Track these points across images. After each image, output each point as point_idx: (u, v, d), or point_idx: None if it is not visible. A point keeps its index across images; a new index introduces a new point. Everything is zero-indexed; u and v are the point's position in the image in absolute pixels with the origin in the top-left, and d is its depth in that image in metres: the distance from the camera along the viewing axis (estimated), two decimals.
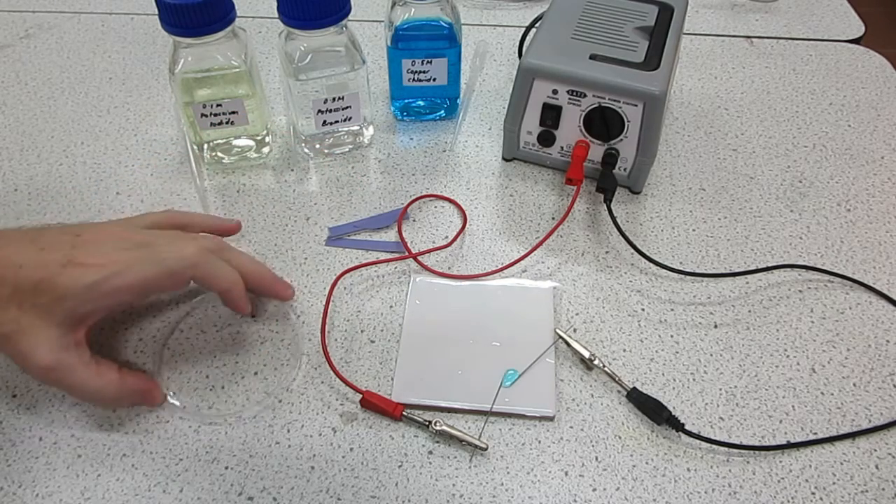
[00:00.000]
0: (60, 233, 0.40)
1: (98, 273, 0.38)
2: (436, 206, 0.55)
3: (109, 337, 0.46)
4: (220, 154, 0.58)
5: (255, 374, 0.45)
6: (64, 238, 0.39)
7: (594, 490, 0.39)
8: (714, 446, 0.41)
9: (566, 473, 0.40)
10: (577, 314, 0.48)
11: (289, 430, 0.42)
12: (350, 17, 0.51)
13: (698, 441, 0.41)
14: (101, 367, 0.40)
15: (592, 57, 0.52)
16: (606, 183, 0.52)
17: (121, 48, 0.71)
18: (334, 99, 0.54)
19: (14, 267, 0.37)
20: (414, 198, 0.55)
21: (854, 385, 0.44)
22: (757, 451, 0.41)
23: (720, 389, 0.44)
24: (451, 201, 0.56)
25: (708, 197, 0.56)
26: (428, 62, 0.57)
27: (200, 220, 0.48)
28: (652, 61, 0.52)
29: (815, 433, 0.42)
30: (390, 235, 0.53)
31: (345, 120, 0.56)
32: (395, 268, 0.51)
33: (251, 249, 0.52)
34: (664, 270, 0.50)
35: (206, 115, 0.53)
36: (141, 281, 0.39)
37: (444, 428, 0.41)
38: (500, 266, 0.50)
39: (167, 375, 0.44)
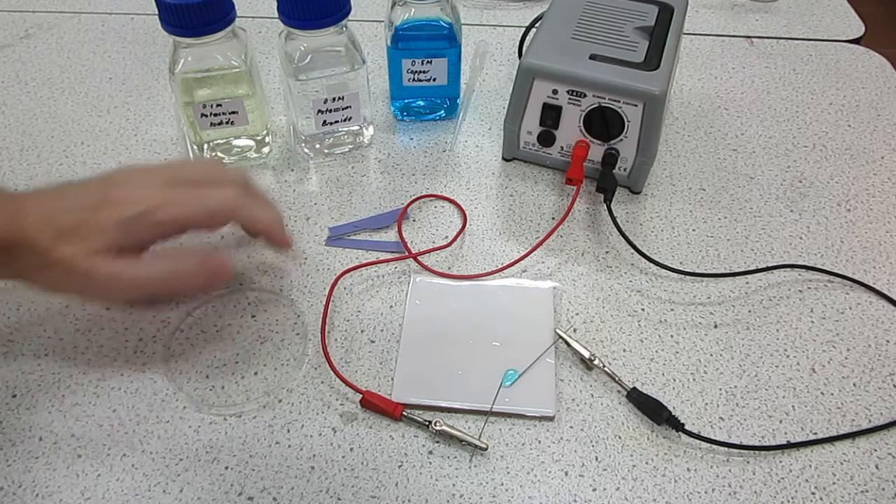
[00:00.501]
0: (92, 179, 0.42)
1: (135, 207, 0.40)
2: (436, 206, 0.55)
3: (110, 337, 0.46)
4: (220, 154, 0.58)
5: (255, 374, 0.45)
6: (98, 181, 0.42)
7: (594, 490, 0.39)
8: (714, 446, 0.41)
9: (566, 473, 0.40)
10: (577, 314, 0.48)
11: (289, 430, 0.42)
12: (350, 17, 0.51)
13: (698, 441, 0.41)
14: (158, 258, 0.42)
15: (592, 57, 0.52)
16: (606, 183, 0.52)
17: (121, 48, 0.71)
18: (334, 99, 0.54)
19: (53, 211, 0.40)
20: (414, 198, 0.55)
21: (854, 385, 0.44)
22: (757, 451, 0.41)
23: (720, 389, 0.44)
24: (451, 201, 0.56)
25: (708, 197, 0.56)
26: (428, 62, 0.57)
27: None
28: (652, 61, 0.52)
29: (815, 433, 0.42)
30: (390, 235, 0.53)
31: (345, 120, 0.56)
32: (395, 268, 0.51)
33: (252, 250, 0.52)
34: (664, 270, 0.50)
35: (206, 115, 0.53)
36: (181, 218, 0.42)
37: (444, 428, 0.41)
38: (500, 266, 0.50)
39: (168, 375, 0.44)
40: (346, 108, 0.55)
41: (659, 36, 0.55)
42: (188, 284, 0.44)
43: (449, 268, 0.51)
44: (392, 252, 0.51)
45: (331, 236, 0.53)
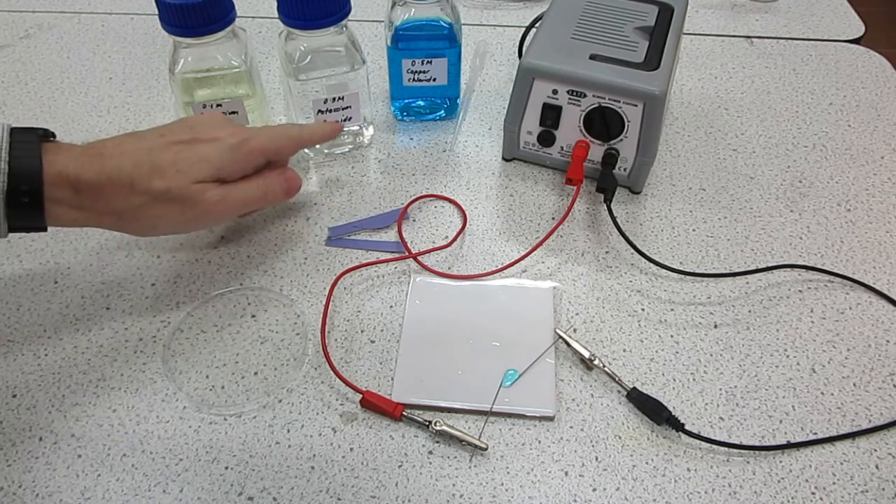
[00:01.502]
0: (167, 125, 0.45)
1: (233, 139, 0.45)
2: (436, 206, 0.55)
3: (110, 337, 0.46)
4: None
5: (255, 374, 0.45)
6: (176, 124, 0.45)
7: (594, 490, 0.39)
8: (714, 446, 0.41)
9: (566, 473, 0.40)
10: (577, 314, 0.48)
11: (289, 430, 0.42)
12: (350, 17, 0.52)
13: (698, 441, 0.41)
14: (249, 179, 0.47)
15: (592, 57, 0.52)
16: (606, 183, 0.52)
17: (121, 48, 0.71)
18: (334, 99, 0.54)
19: (145, 151, 0.42)
20: (414, 198, 0.55)
21: (854, 385, 0.44)
22: (757, 451, 0.41)
23: (720, 389, 0.44)
24: (451, 201, 0.56)
25: (708, 197, 0.56)
26: (428, 62, 0.57)
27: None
28: (652, 61, 0.52)
29: (815, 433, 0.42)
30: (390, 235, 0.53)
31: (345, 120, 0.56)
32: (395, 268, 0.51)
33: (252, 250, 0.52)
34: (664, 270, 0.50)
35: None
36: (269, 146, 0.47)
37: (444, 428, 0.41)
38: (500, 266, 0.50)
39: (168, 375, 0.44)
40: (346, 108, 0.55)
41: (659, 36, 0.55)
42: (276, 197, 0.49)
43: (449, 268, 0.51)
44: (392, 252, 0.51)
45: (331, 236, 0.53)
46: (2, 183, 0.38)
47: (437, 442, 0.41)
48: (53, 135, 0.42)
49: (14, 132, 0.39)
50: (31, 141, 0.39)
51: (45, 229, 0.41)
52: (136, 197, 0.41)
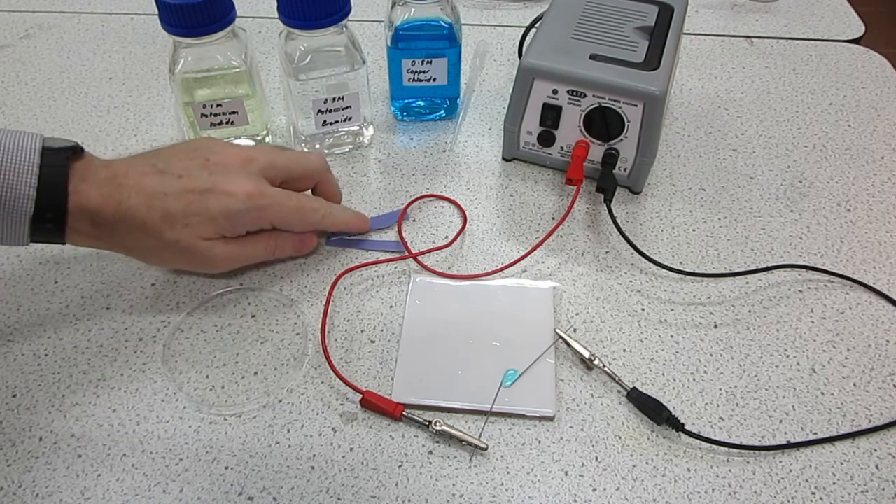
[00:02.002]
0: (188, 159, 0.45)
1: (243, 203, 0.44)
2: (436, 206, 0.55)
3: (110, 337, 0.46)
4: None
5: (255, 374, 0.45)
6: (194, 164, 0.44)
7: (594, 490, 0.39)
8: (714, 446, 0.41)
9: (566, 473, 0.40)
10: (577, 314, 0.48)
11: (289, 430, 0.42)
12: (350, 17, 0.51)
13: (698, 441, 0.41)
14: (260, 236, 0.47)
15: (592, 57, 0.52)
16: (606, 183, 0.52)
17: (121, 48, 0.71)
18: (334, 99, 0.54)
19: (160, 195, 0.42)
20: (414, 198, 0.55)
21: (854, 385, 0.44)
22: (757, 451, 0.41)
23: (720, 389, 0.44)
24: (451, 201, 0.56)
25: (708, 197, 0.56)
26: (428, 62, 0.57)
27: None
28: (652, 61, 0.52)
29: (815, 433, 0.42)
30: (390, 235, 0.53)
31: (345, 120, 0.56)
32: (395, 268, 0.51)
33: None
34: (664, 270, 0.50)
35: (206, 115, 0.53)
36: (278, 220, 0.46)
37: (444, 428, 0.41)
38: (500, 266, 0.50)
39: (168, 375, 0.44)
40: (346, 108, 0.55)
41: (659, 36, 0.55)
42: (285, 254, 0.49)
43: (449, 268, 0.51)
44: (392, 252, 0.51)
45: (330, 237, 0.53)
46: (29, 209, 0.39)
47: (437, 442, 0.41)
48: (82, 150, 0.42)
49: (45, 153, 0.40)
50: (60, 166, 0.40)
51: (63, 244, 0.42)
52: (148, 239, 0.43)
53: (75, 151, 0.41)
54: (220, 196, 0.43)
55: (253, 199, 0.44)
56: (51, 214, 0.40)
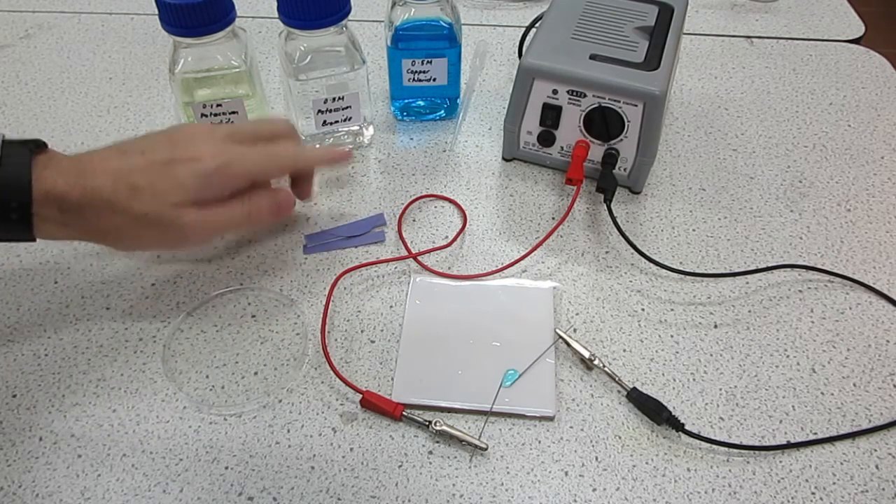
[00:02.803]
0: (151, 138, 0.44)
1: (211, 163, 0.43)
2: (436, 206, 0.55)
3: (110, 337, 0.46)
4: None
5: (255, 374, 0.45)
6: (158, 140, 0.44)
7: (594, 490, 0.39)
8: (714, 446, 0.41)
9: (566, 473, 0.40)
10: (577, 314, 0.48)
11: (289, 430, 0.42)
12: (350, 17, 0.52)
13: (698, 441, 0.41)
14: (234, 200, 0.45)
15: (592, 57, 0.52)
16: (606, 183, 0.52)
17: (121, 48, 0.71)
18: (334, 99, 0.54)
19: (125, 172, 0.41)
20: (414, 198, 0.55)
21: (854, 385, 0.44)
22: (757, 451, 0.41)
23: (720, 389, 0.44)
24: (451, 201, 0.56)
25: (708, 197, 0.56)
26: (428, 62, 0.57)
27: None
28: (652, 61, 0.52)
29: (815, 433, 0.42)
30: (390, 235, 0.53)
31: (345, 120, 0.56)
32: (395, 268, 0.51)
33: (252, 250, 0.52)
34: (664, 270, 0.50)
35: (207, 115, 0.53)
36: (252, 171, 0.45)
37: (444, 428, 0.41)
38: (500, 266, 0.50)
39: (168, 375, 0.44)
40: (346, 108, 0.55)
41: (659, 36, 0.55)
42: (262, 219, 0.47)
43: (449, 268, 0.51)
44: (372, 243, 0.51)
45: (307, 245, 0.52)
46: None
47: (437, 442, 0.41)
48: (45, 145, 0.42)
49: (5, 145, 0.39)
50: (22, 156, 0.39)
51: (34, 240, 0.41)
52: (117, 217, 0.41)
53: (38, 145, 0.41)
54: (185, 163, 0.42)
55: (218, 157, 0.43)
56: (15, 204, 0.39)
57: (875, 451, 0.41)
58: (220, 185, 0.44)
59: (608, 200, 0.52)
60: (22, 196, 0.39)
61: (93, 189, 0.41)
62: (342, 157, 0.51)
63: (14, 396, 0.43)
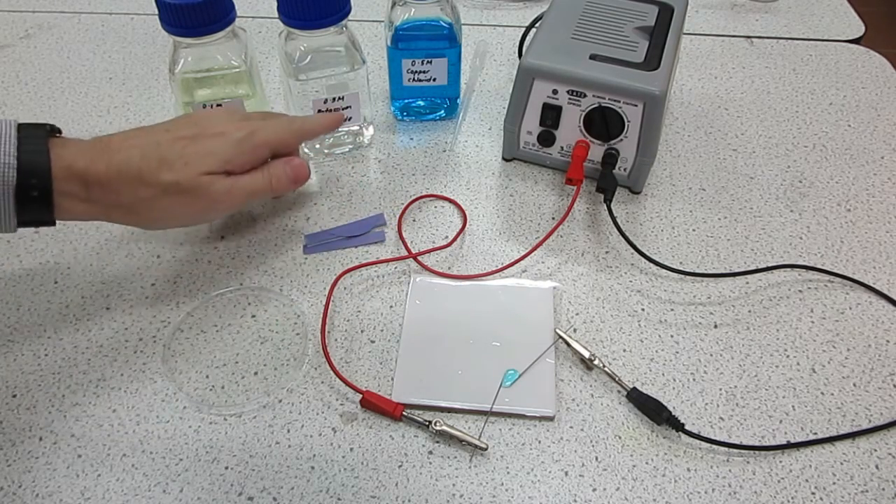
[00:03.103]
0: (173, 120, 0.46)
1: (239, 132, 0.45)
2: (436, 206, 0.55)
3: (110, 337, 0.46)
4: None
5: (255, 374, 0.45)
6: (181, 120, 0.46)
7: (594, 490, 0.39)
8: (714, 446, 0.41)
9: (566, 473, 0.40)
10: (577, 314, 0.48)
11: (289, 430, 0.42)
12: (350, 17, 0.52)
13: (698, 441, 0.41)
14: (254, 170, 0.47)
15: (592, 57, 0.52)
16: (606, 183, 0.52)
17: (121, 48, 0.71)
18: (334, 99, 0.54)
19: (153, 145, 0.43)
20: (414, 198, 0.55)
21: (854, 385, 0.44)
22: (757, 451, 0.41)
23: (720, 389, 0.44)
24: (451, 201, 0.56)
25: (708, 197, 0.56)
26: (428, 62, 0.57)
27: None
28: (652, 61, 0.52)
29: (815, 433, 0.42)
30: (389, 235, 0.53)
31: (345, 120, 0.56)
32: (395, 268, 0.51)
33: (252, 250, 0.52)
34: (664, 270, 0.50)
35: None
36: (274, 139, 0.47)
37: (444, 428, 0.41)
38: (500, 266, 0.50)
39: (168, 375, 0.44)
40: (346, 108, 0.55)
41: (659, 36, 0.55)
42: (283, 186, 0.49)
43: (449, 268, 0.51)
44: (371, 243, 0.51)
45: (307, 245, 0.52)
46: (11, 178, 0.38)
47: (437, 442, 0.41)
48: (60, 130, 0.42)
49: (22, 127, 0.40)
50: (39, 136, 0.40)
51: (53, 223, 0.41)
52: (145, 189, 0.42)
53: (53, 129, 0.41)
54: (211, 137, 0.44)
55: (243, 129, 0.45)
56: (35, 181, 0.39)
57: (875, 451, 0.41)
58: (248, 153, 0.45)
59: (608, 200, 0.52)
60: (42, 174, 0.39)
61: (119, 162, 0.41)
62: (338, 120, 0.53)
63: (14, 396, 0.43)
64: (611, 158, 0.53)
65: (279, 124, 0.48)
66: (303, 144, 0.58)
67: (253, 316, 0.48)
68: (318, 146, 0.58)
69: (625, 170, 0.54)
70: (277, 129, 0.48)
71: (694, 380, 0.44)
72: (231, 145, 0.45)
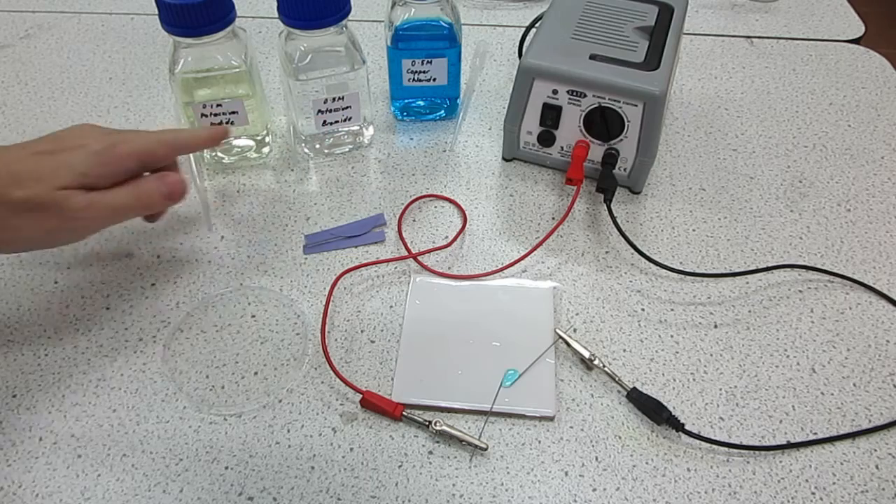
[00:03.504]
0: (38, 138, 0.43)
1: (99, 144, 0.42)
2: (436, 206, 0.55)
3: (110, 337, 0.46)
4: (220, 154, 0.58)
5: (255, 374, 0.45)
6: (44, 137, 0.43)
7: (594, 490, 0.39)
8: (714, 446, 0.41)
9: (566, 473, 0.40)
10: (577, 314, 0.48)
11: (289, 430, 0.42)
12: (350, 17, 0.51)
13: (698, 441, 0.41)
14: (122, 185, 0.43)
15: (592, 57, 0.52)
16: (606, 183, 0.52)
17: (121, 48, 0.71)
18: (334, 99, 0.54)
19: (3, 163, 0.40)
20: (414, 198, 0.55)
21: (854, 385, 0.44)
22: (757, 451, 0.41)
23: (720, 389, 0.44)
24: (451, 201, 0.56)
25: (708, 197, 0.56)
26: (428, 62, 0.57)
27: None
28: (652, 61, 0.52)
29: (815, 433, 0.42)
30: (390, 235, 0.53)
31: (345, 120, 0.56)
32: (395, 268, 0.51)
33: (252, 250, 0.52)
34: (664, 270, 0.50)
35: (207, 115, 0.53)
36: (140, 150, 0.44)
37: (444, 428, 0.41)
38: (500, 266, 0.50)
39: (168, 375, 0.44)
40: (346, 108, 0.55)
41: (659, 36, 0.55)
42: (153, 203, 0.45)
43: (449, 268, 0.51)
44: (371, 243, 0.51)
45: (307, 245, 0.52)
46: None
47: (437, 442, 0.41)
48: None
49: None
50: None
51: None
52: None
53: None
54: (69, 150, 0.41)
55: (105, 140, 0.43)
56: None
57: (875, 451, 0.41)
58: (108, 165, 0.42)
59: (608, 200, 0.52)
60: None
61: None
62: (220, 133, 0.50)
63: (14, 396, 0.43)
64: (611, 158, 0.53)
65: (148, 135, 0.45)
66: (302, 145, 0.58)
67: (253, 316, 0.48)
68: (317, 146, 0.58)
69: (625, 170, 0.54)
70: (145, 141, 0.44)
71: (694, 380, 0.44)
72: (88, 157, 0.41)
